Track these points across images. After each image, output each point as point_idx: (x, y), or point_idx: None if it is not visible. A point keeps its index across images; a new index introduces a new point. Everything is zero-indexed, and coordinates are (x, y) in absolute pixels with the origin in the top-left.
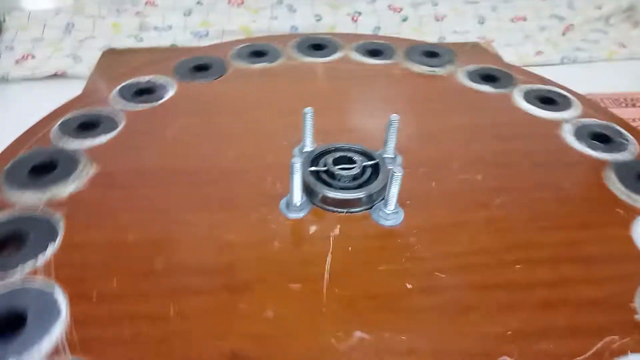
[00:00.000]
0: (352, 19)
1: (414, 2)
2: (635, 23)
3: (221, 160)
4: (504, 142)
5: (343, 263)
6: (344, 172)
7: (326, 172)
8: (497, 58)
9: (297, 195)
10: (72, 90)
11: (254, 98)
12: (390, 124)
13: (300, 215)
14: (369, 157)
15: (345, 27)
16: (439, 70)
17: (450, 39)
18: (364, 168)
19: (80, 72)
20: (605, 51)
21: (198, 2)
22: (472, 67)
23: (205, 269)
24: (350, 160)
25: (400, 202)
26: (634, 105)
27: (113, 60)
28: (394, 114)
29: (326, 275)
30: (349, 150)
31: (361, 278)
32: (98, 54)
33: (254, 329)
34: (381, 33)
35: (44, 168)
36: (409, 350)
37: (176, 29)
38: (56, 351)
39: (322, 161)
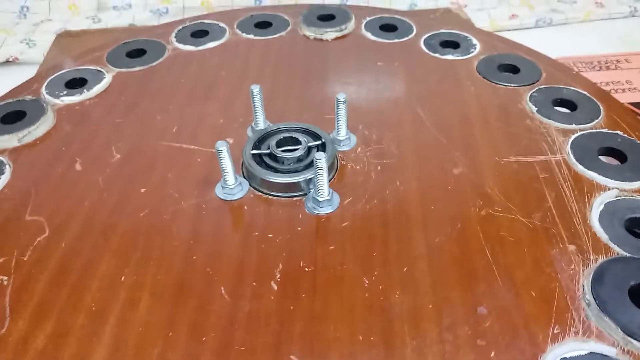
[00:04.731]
0: None
1: None
2: None
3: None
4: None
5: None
6: (287, 155)
7: (269, 155)
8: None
9: (230, 177)
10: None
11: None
12: (338, 104)
13: (234, 197)
14: (318, 138)
15: None
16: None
17: (422, 5)
18: (309, 149)
19: (34, 58)
20: (582, 12)
21: None
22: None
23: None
24: (297, 142)
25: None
26: (607, 68)
27: (68, 43)
28: (341, 93)
29: None
30: (296, 131)
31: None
32: (53, 38)
33: None
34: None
35: None
36: None
37: (135, 7)
38: None
39: (266, 143)
